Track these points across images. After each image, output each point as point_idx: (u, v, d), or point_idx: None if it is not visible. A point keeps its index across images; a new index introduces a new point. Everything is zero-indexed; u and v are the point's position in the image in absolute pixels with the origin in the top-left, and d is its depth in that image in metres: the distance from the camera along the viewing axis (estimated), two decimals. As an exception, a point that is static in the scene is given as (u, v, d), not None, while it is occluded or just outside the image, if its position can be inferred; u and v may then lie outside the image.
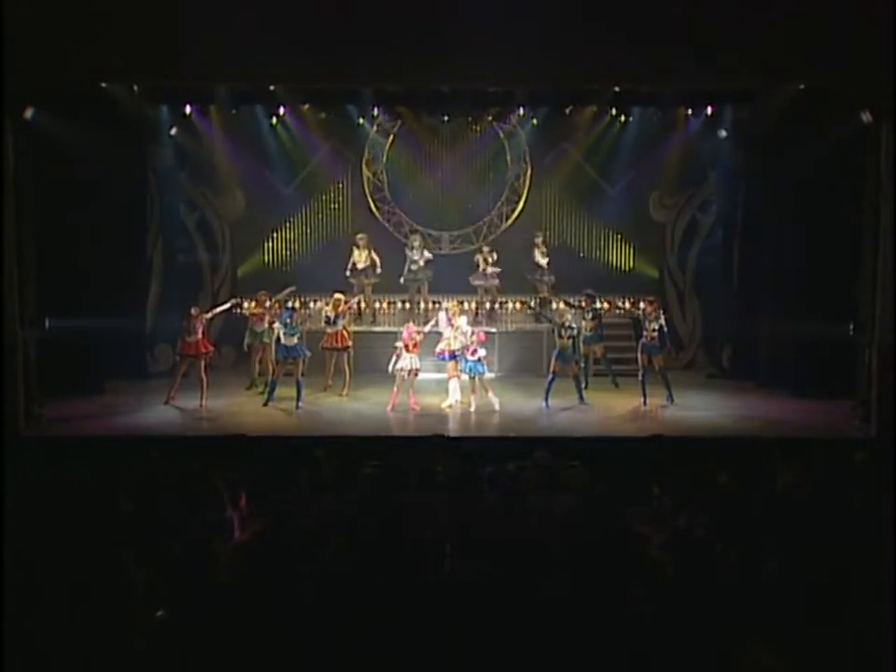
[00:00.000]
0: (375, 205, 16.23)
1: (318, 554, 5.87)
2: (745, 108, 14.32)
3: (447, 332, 12.55)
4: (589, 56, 11.11)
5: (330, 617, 4.81)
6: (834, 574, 6.16)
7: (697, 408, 12.71)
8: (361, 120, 15.54)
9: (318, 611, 4.89)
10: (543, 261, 15.00)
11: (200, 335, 12.64)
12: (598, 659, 4.70)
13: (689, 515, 8.12)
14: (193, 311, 12.83)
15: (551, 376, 12.57)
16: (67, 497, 7.71)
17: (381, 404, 12.73)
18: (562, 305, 13.50)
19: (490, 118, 15.77)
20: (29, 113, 11.44)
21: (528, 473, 8.38)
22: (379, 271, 14.87)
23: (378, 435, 11.22)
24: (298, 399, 12.47)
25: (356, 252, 14.80)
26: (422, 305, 15.21)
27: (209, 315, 13.03)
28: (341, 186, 16.26)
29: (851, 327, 12.18)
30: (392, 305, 15.55)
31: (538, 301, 15.12)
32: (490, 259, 14.90)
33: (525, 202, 16.25)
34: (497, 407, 12.37)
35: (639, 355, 12.75)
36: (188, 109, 14.43)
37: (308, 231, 16.28)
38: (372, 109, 15.26)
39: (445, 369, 12.69)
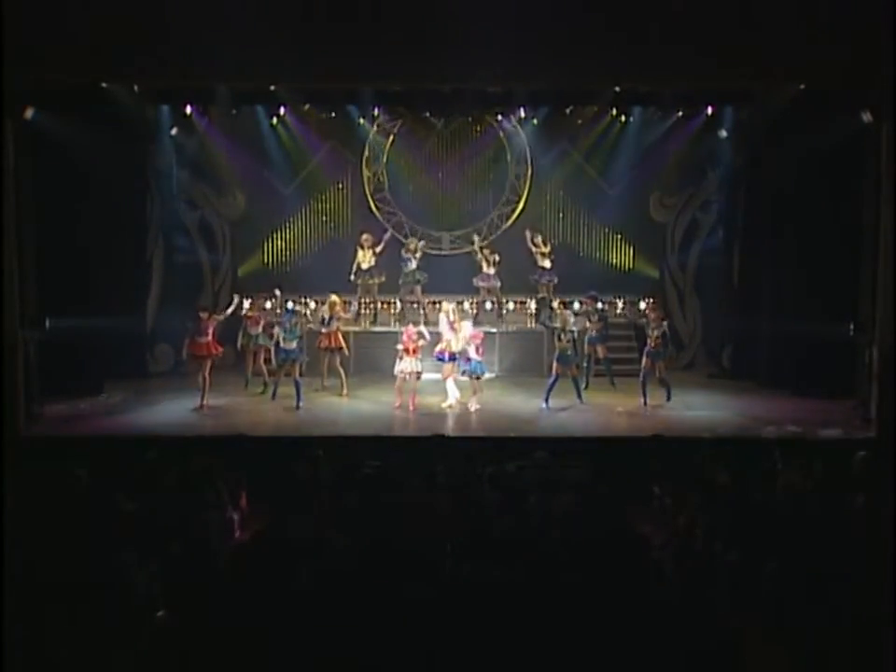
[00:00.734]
0: (375, 205, 16.23)
1: (318, 554, 5.87)
2: (745, 108, 14.32)
3: (447, 334, 12.55)
4: (589, 56, 11.11)
5: (331, 617, 4.81)
6: (834, 574, 6.16)
7: (697, 408, 12.71)
8: (361, 120, 15.54)
9: (319, 611, 4.89)
10: (546, 263, 14.98)
11: (210, 336, 12.68)
12: (599, 658, 4.70)
13: (689, 515, 8.13)
14: (203, 313, 12.86)
15: (553, 378, 12.58)
16: (67, 497, 7.71)
17: (381, 404, 12.76)
18: (562, 308, 13.47)
19: (490, 118, 15.77)
20: (29, 113, 11.45)
21: (528, 473, 8.39)
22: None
23: (378, 435, 11.22)
24: (298, 399, 12.52)
25: (360, 253, 14.78)
26: (416, 306, 15.21)
27: (221, 316, 13.11)
28: (341, 186, 16.26)
29: (851, 327, 12.18)
30: (392, 305, 15.53)
31: (537, 301, 15.14)
32: (492, 260, 14.90)
33: (526, 202, 16.25)
34: (472, 408, 12.38)
35: (644, 359, 12.80)
36: (188, 109, 14.43)
37: (308, 231, 16.28)
38: (372, 109, 15.26)
39: (441, 369, 12.72)
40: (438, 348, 12.63)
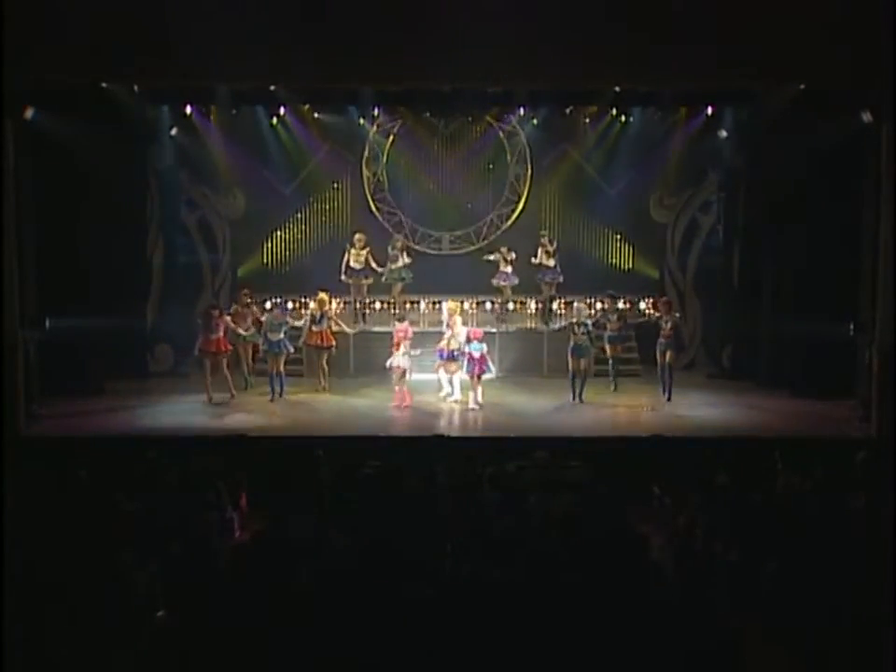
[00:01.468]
0: (375, 205, 16.22)
1: (318, 554, 5.87)
2: (745, 108, 14.32)
3: (447, 332, 12.71)
4: (589, 56, 11.10)
5: (331, 617, 4.80)
6: (834, 574, 6.16)
7: (697, 408, 12.71)
8: (361, 120, 15.54)
9: (318, 611, 4.89)
10: (550, 262, 14.97)
11: (221, 333, 12.83)
12: (599, 658, 4.70)
13: (689, 515, 8.13)
14: (215, 311, 13.00)
15: (572, 374, 12.84)
16: (67, 497, 7.71)
17: (381, 404, 12.76)
18: (578, 303, 13.57)
19: (490, 118, 15.77)
20: (29, 113, 11.45)
21: (528, 473, 8.38)
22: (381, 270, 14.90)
23: (378, 435, 11.22)
24: (272, 392, 12.90)
25: (352, 252, 14.74)
26: (391, 305, 15.23)
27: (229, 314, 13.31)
28: (341, 186, 16.25)
29: (851, 327, 12.18)
30: (392, 305, 15.50)
31: (545, 300, 15.17)
32: (509, 259, 14.88)
33: (526, 202, 16.24)
34: (472, 406, 12.49)
35: (657, 352, 13.04)
36: (188, 109, 14.43)
37: (308, 230, 16.27)
38: (372, 109, 15.25)
39: (441, 366, 12.91)
40: (438, 346, 12.76)
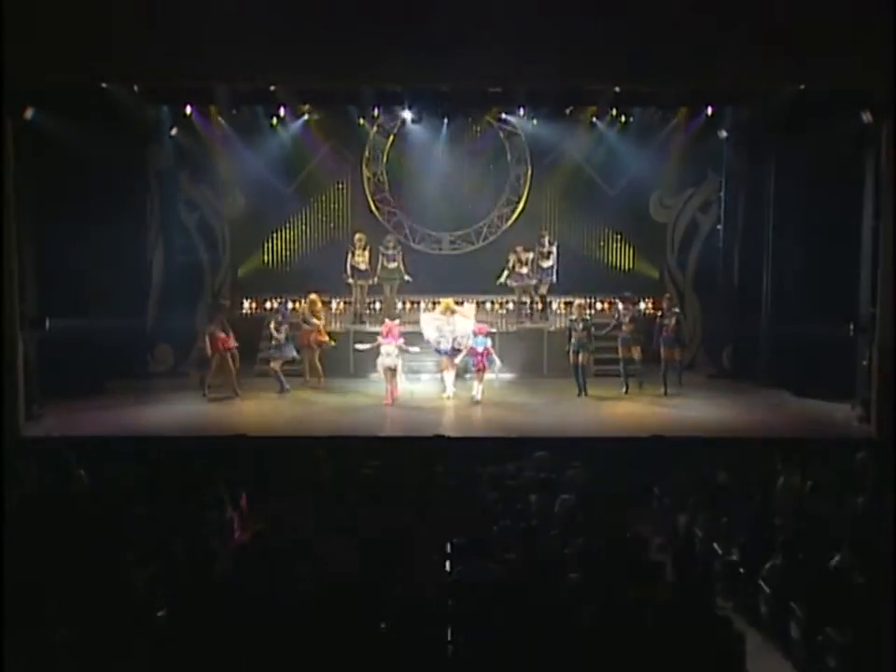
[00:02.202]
0: (375, 205, 16.22)
1: (318, 554, 5.87)
2: (745, 108, 14.31)
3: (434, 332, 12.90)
4: (589, 56, 11.10)
5: (330, 616, 4.81)
6: (835, 573, 6.16)
7: (697, 408, 12.72)
8: (361, 121, 15.53)
9: (318, 611, 4.89)
10: (545, 263, 14.96)
11: (230, 332, 13.11)
12: (599, 658, 4.70)
13: (689, 515, 8.13)
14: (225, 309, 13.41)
15: (574, 369, 13.20)
16: (67, 498, 7.72)
17: (381, 404, 12.78)
18: (578, 301, 13.84)
19: (490, 118, 15.76)
20: (29, 113, 11.44)
21: (528, 473, 8.39)
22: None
23: (378, 435, 11.22)
24: (282, 386, 13.25)
25: (353, 253, 14.77)
26: (398, 305, 15.30)
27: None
28: (341, 186, 16.24)
29: (851, 327, 12.18)
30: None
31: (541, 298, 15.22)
32: (524, 259, 14.89)
33: (526, 202, 16.23)
34: (477, 397, 12.75)
35: (662, 349, 13.31)
36: (188, 109, 14.41)
37: (308, 231, 16.26)
38: (372, 109, 15.24)
39: (440, 364, 13.11)
40: (436, 344, 12.93)
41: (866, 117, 11.53)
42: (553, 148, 15.82)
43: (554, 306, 15.37)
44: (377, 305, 15.46)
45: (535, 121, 15.46)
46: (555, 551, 6.12)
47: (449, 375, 12.99)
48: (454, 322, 12.89)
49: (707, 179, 15.58)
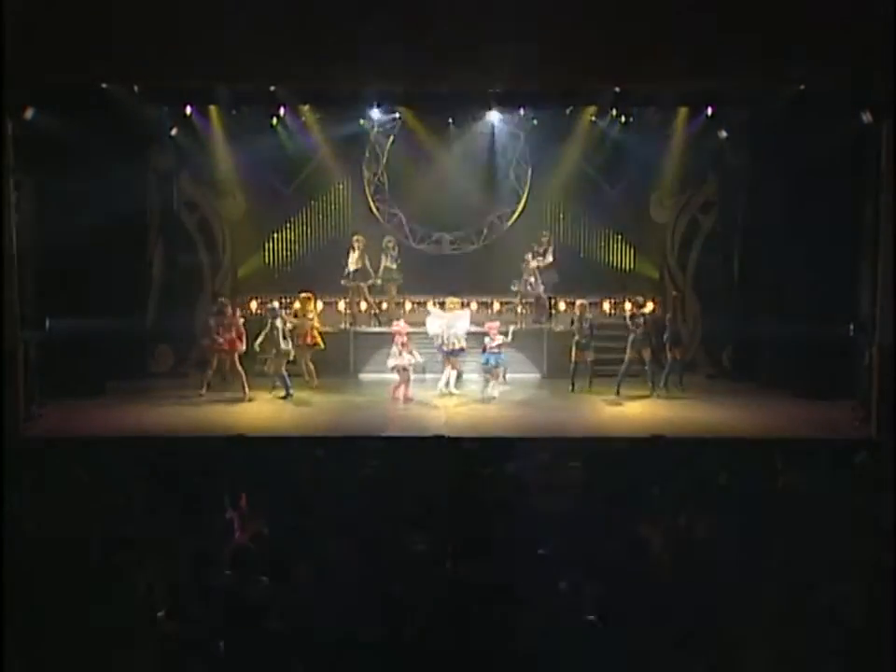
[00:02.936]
0: (375, 206, 16.22)
1: (318, 555, 5.87)
2: (745, 108, 14.31)
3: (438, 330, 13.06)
4: (589, 56, 11.11)
5: (330, 617, 4.81)
6: (834, 574, 6.16)
7: (697, 408, 12.72)
8: (361, 121, 15.53)
9: (318, 611, 4.89)
10: (544, 264, 14.98)
11: (234, 333, 13.07)
12: (599, 658, 4.70)
13: (689, 515, 8.12)
14: (229, 310, 13.25)
15: (574, 366, 13.56)
16: (67, 497, 7.72)
17: (381, 404, 12.79)
18: (580, 301, 13.94)
19: (490, 118, 15.76)
20: (29, 113, 11.44)
21: (528, 473, 8.38)
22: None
23: (378, 435, 11.22)
24: (287, 390, 13.25)
25: (351, 255, 14.78)
26: (383, 308, 15.37)
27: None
28: (341, 186, 16.25)
29: (851, 327, 12.18)
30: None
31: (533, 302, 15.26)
32: (532, 266, 14.91)
33: (526, 202, 16.24)
34: (495, 394, 13.01)
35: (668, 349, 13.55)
36: (188, 109, 14.42)
37: (308, 231, 16.27)
38: (372, 109, 15.23)
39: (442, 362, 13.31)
40: (437, 342, 13.07)
41: (866, 117, 11.53)
42: (553, 148, 15.82)
43: (562, 306, 15.40)
44: (384, 305, 15.49)
45: (535, 121, 15.47)
46: (555, 551, 6.12)
47: (449, 374, 13.08)
48: (455, 322, 12.98)
49: (707, 179, 15.58)
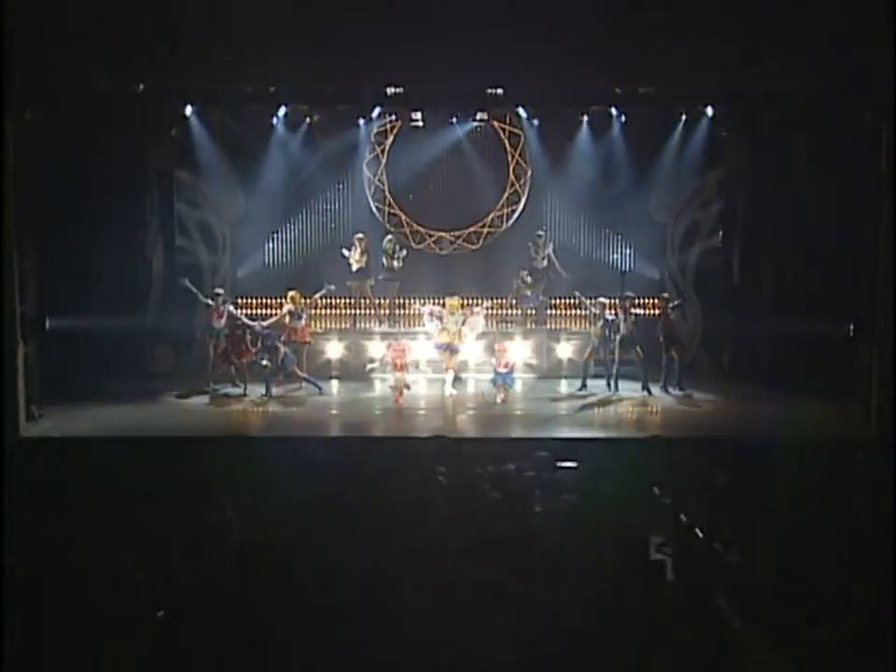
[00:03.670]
0: (375, 206, 16.22)
1: (317, 555, 5.87)
2: (745, 108, 14.31)
3: (434, 329, 12.97)
4: (589, 56, 11.11)
5: (330, 618, 4.81)
6: (834, 574, 6.16)
7: (697, 408, 12.72)
8: (361, 121, 15.53)
9: (317, 612, 4.89)
10: (540, 265, 14.99)
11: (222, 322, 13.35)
12: (598, 658, 4.70)
13: (689, 515, 8.12)
14: (219, 298, 13.48)
15: (585, 364, 13.63)
16: (67, 497, 7.71)
17: (381, 404, 12.79)
18: (601, 300, 13.80)
19: (490, 118, 15.77)
20: (29, 113, 11.44)
21: (528, 473, 8.38)
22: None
23: (378, 435, 11.22)
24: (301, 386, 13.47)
25: (353, 254, 14.78)
26: (391, 305, 15.34)
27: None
28: (341, 186, 16.25)
29: (851, 327, 12.17)
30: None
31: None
32: (529, 282, 14.90)
33: (526, 202, 16.24)
34: (499, 400, 12.83)
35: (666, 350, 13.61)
36: (188, 109, 14.43)
37: (308, 231, 16.28)
38: (372, 109, 15.25)
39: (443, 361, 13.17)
40: (437, 339, 12.98)
41: (866, 117, 11.53)
42: (553, 148, 15.82)
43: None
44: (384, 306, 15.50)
45: (535, 121, 15.48)
46: (555, 551, 6.12)
47: (449, 375, 13.02)
48: (458, 322, 12.90)
49: (707, 179, 15.59)
